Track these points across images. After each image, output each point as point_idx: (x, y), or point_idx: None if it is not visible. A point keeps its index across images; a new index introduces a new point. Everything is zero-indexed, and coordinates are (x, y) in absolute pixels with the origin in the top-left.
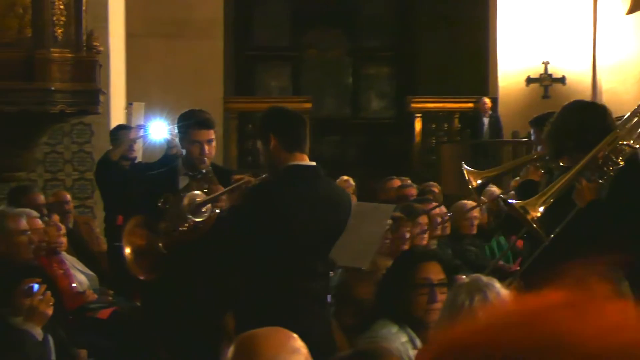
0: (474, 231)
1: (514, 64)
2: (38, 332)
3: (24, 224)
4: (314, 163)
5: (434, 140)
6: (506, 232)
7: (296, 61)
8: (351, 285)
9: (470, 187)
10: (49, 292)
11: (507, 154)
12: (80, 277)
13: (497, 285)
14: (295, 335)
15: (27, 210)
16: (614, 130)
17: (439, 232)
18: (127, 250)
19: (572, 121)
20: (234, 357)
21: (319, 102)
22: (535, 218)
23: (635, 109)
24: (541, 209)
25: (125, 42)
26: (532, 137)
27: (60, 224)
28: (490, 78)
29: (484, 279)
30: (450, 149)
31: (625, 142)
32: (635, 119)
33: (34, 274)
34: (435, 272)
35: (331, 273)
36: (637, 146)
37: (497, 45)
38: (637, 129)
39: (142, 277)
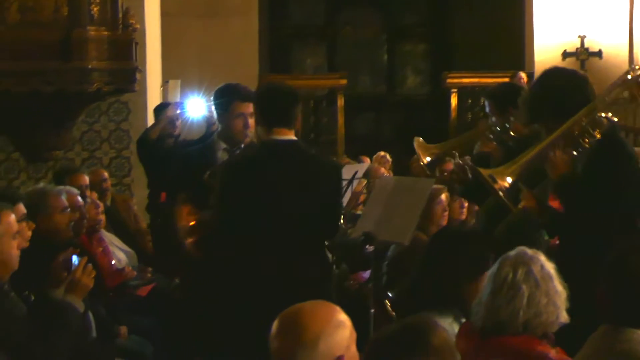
0: None
1: (550, 38)
2: (79, 304)
3: (64, 201)
4: (292, 138)
5: (470, 116)
6: (471, 200)
7: (331, 38)
8: (405, 259)
9: (421, 163)
10: (89, 265)
11: None
12: (119, 254)
13: (542, 258)
14: (339, 308)
15: (67, 187)
16: (593, 102)
17: (476, 207)
18: (184, 231)
19: (552, 88)
20: (279, 333)
21: (354, 79)
22: (503, 188)
23: (616, 81)
24: (509, 179)
25: (160, 20)
26: (487, 109)
27: (98, 202)
28: (527, 52)
29: (529, 252)
30: (486, 124)
31: (603, 115)
32: (616, 91)
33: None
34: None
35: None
36: (616, 119)
37: (533, 19)
38: (617, 102)
39: (198, 256)
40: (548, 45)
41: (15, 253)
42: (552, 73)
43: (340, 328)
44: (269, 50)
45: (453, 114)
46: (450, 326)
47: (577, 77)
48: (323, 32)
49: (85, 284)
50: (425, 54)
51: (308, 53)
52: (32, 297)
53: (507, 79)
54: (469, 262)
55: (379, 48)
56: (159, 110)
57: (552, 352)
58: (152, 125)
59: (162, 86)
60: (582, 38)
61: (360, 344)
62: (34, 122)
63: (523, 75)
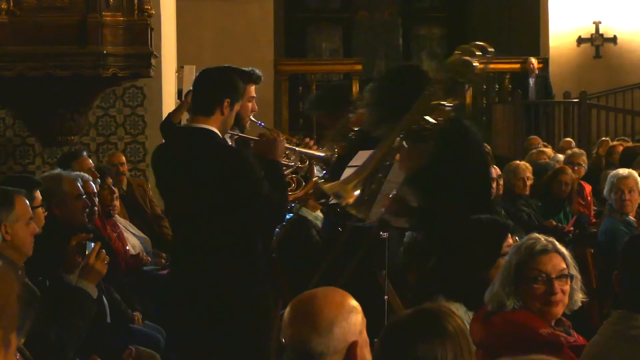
0: (527, 192)
1: (565, 23)
2: (93, 289)
3: (79, 187)
4: (194, 125)
5: (485, 101)
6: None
7: (347, 23)
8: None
9: (346, 204)
10: (103, 251)
11: (558, 113)
12: (133, 240)
13: (557, 245)
14: (349, 294)
15: (82, 173)
16: (424, 93)
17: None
18: None
19: (388, 88)
20: (292, 320)
21: (370, 63)
22: (350, 203)
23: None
24: (356, 192)
25: (176, 5)
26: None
27: (113, 188)
28: (542, 38)
29: (542, 239)
30: (502, 109)
31: (442, 102)
32: (444, 76)
33: (92, 237)
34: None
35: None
36: (452, 105)
37: (548, 5)
38: (453, 88)
39: None
40: (563, 31)
41: (29, 239)
42: (389, 72)
43: (354, 313)
44: (285, 34)
45: (468, 99)
46: (465, 314)
47: (413, 72)
48: (339, 16)
49: (98, 269)
50: (441, 38)
51: (324, 37)
52: (47, 283)
53: (518, 65)
54: (481, 251)
55: (394, 32)
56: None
57: (549, 330)
58: (174, 110)
59: (177, 71)
60: (597, 24)
61: (375, 331)
62: (49, 106)
63: (533, 60)
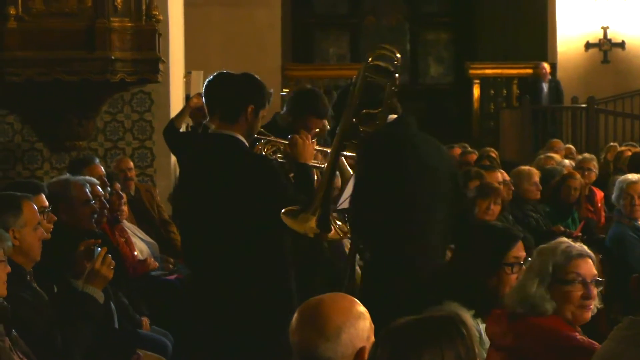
0: (537, 197)
1: (573, 29)
2: (99, 294)
3: (87, 193)
4: (223, 132)
5: (492, 107)
6: None
7: (354, 28)
8: None
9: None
10: (109, 256)
11: (566, 119)
12: (140, 245)
13: (588, 250)
14: (357, 300)
15: (89, 178)
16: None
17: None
18: None
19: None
20: (299, 326)
21: None
22: (314, 228)
23: (359, 71)
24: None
25: (184, 10)
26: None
27: (121, 193)
28: (549, 43)
29: (564, 242)
30: (510, 114)
31: (371, 111)
32: (359, 82)
33: (99, 242)
34: (522, 250)
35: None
36: (377, 113)
37: (556, 10)
38: (368, 93)
39: None
40: (571, 36)
41: (37, 243)
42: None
43: (361, 319)
44: (292, 40)
45: (475, 104)
46: (474, 320)
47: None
48: (346, 21)
49: (104, 274)
50: (448, 43)
51: (331, 42)
52: (55, 288)
53: (529, 70)
54: (484, 258)
55: (401, 37)
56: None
57: (583, 336)
58: (177, 115)
59: (185, 77)
60: (605, 29)
61: None
62: (57, 112)
63: (546, 65)
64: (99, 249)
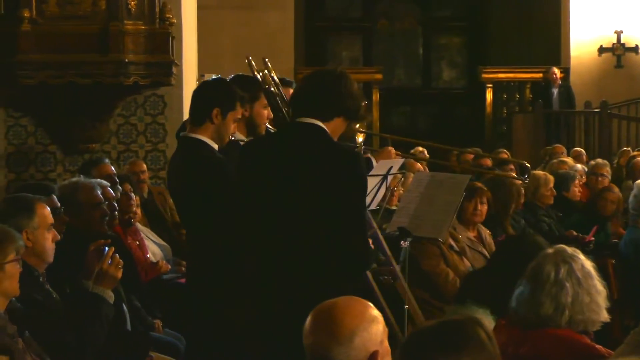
0: (550, 202)
1: (586, 33)
2: (109, 294)
3: (98, 195)
4: (189, 135)
5: (505, 111)
6: None
7: (367, 32)
8: (417, 259)
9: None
10: (117, 256)
11: (579, 123)
12: (153, 248)
13: (581, 257)
14: (371, 304)
15: (99, 180)
16: None
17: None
18: None
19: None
20: (313, 329)
21: (390, 72)
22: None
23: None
24: None
25: (197, 14)
26: None
27: (132, 194)
28: (563, 48)
29: (569, 250)
30: (522, 119)
31: None
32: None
33: (110, 243)
34: None
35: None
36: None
37: (569, 14)
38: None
39: None
40: (584, 41)
41: (50, 245)
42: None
43: (375, 323)
44: (305, 43)
45: (488, 109)
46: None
47: None
48: (359, 25)
49: (112, 274)
50: (461, 47)
51: (344, 46)
52: (67, 289)
53: (541, 75)
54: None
55: (414, 41)
56: None
57: (600, 346)
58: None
59: (198, 80)
60: (619, 33)
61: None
62: (70, 114)
63: (556, 70)
64: (107, 249)
